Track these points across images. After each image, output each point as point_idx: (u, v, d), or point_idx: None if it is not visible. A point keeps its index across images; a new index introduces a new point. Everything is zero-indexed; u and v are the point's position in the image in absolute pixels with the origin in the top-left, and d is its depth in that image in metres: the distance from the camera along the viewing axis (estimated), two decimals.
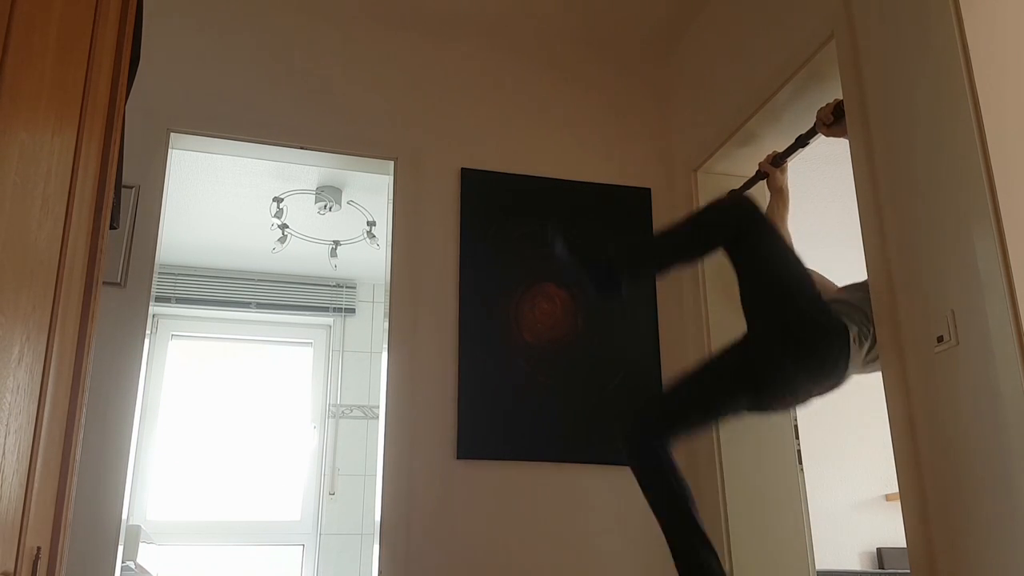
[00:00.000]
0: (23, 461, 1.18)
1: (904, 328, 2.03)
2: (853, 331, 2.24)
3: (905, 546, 1.98)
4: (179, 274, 5.10)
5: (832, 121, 2.43)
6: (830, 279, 2.67)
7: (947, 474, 1.87)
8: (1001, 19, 1.91)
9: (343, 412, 5.25)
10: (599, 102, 3.36)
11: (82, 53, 1.41)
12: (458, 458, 2.77)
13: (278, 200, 4.26)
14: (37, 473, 1.24)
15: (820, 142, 2.67)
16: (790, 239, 2.78)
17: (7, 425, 1.10)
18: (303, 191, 4.21)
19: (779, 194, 2.79)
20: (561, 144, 3.24)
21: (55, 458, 1.36)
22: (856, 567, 4.71)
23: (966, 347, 1.82)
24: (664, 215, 3.24)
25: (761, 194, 3.10)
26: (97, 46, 1.47)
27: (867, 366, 2.35)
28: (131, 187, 2.74)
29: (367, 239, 4.50)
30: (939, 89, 1.95)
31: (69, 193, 1.35)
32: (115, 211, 1.71)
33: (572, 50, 3.40)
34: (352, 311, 5.41)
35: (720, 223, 2.31)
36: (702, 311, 2.99)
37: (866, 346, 2.26)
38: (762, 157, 2.90)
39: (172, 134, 2.87)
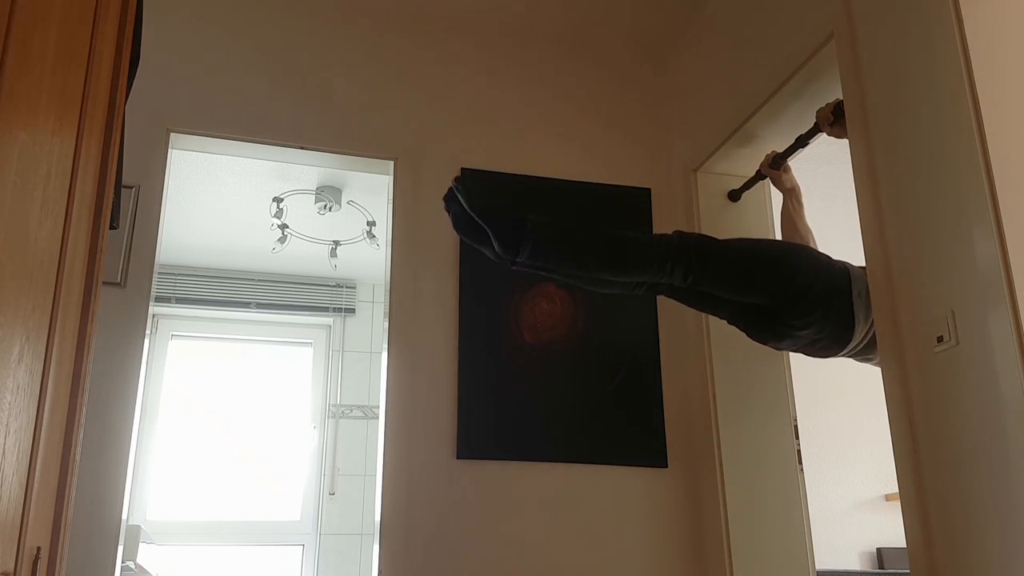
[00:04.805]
0: (23, 461, 1.18)
1: (904, 328, 2.03)
2: (856, 289, 2.26)
3: (905, 546, 1.98)
4: (179, 274, 5.10)
5: (832, 121, 2.43)
6: None
7: (947, 474, 1.87)
8: (1001, 19, 1.91)
9: (343, 412, 5.25)
10: (599, 102, 3.36)
11: (82, 53, 1.41)
12: (458, 458, 2.77)
13: (278, 200, 4.26)
14: (37, 473, 1.24)
15: (820, 142, 2.67)
16: (811, 235, 2.79)
17: (7, 425, 1.10)
18: (303, 191, 4.21)
19: (792, 193, 2.80)
20: (561, 144, 3.24)
21: (55, 458, 1.36)
22: (856, 567, 4.70)
23: (966, 347, 1.82)
24: (664, 215, 3.24)
25: (761, 195, 3.12)
26: (97, 46, 1.47)
27: (866, 351, 2.35)
28: (131, 187, 2.74)
29: (367, 239, 4.51)
30: (939, 89, 1.95)
31: (69, 193, 1.35)
32: (115, 211, 1.71)
33: (572, 50, 3.40)
34: (352, 311, 5.41)
35: (683, 244, 2.25)
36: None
37: (868, 324, 2.26)
38: (762, 157, 2.90)
39: (172, 134, 2.87)
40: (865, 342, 2.34)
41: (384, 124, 3.10)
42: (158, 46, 2.93)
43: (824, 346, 2.39)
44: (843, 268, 2.36)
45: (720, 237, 2.35)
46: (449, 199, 2.21)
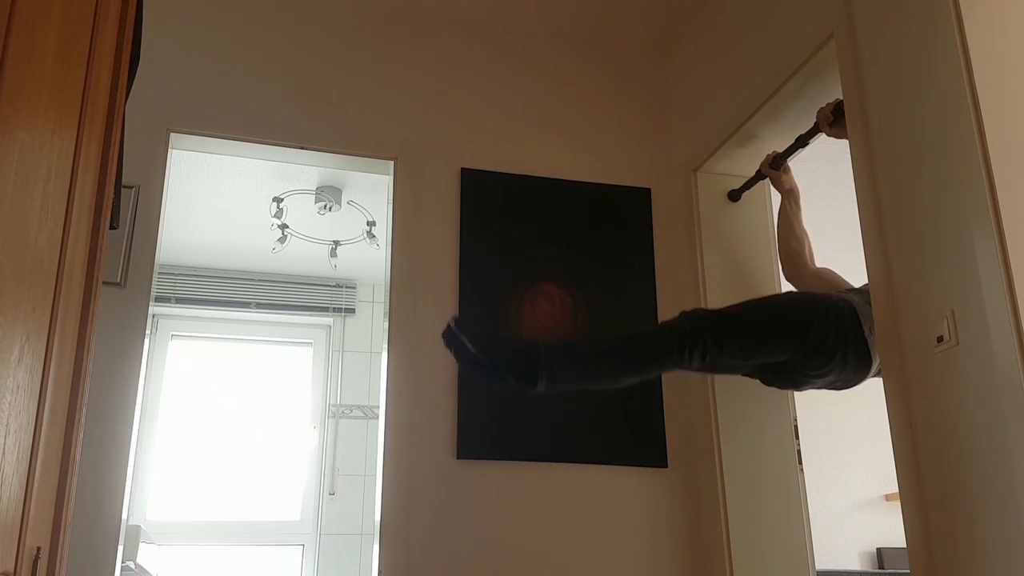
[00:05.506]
0: (23, 461, 1.18)
1: (904, 328, 2.03)
2: (867, 325, 2.26)
3: (905, 546, 1.98)
4: (179, 274, 5.10)
5: (832, 121, 2.43)
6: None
7: (947, 474, 1.86)
8: (1001, 19, 1.91)
9: (343, 412, 5.25)
10: (599, 102, 3.36)
11: (82, 53, 1.41)
12: (458, 458, 2.77)
13: (278, 200, 4.26)
14: (37, 473, 1.24)
15: (820, 142, 2.67)
16: (807, 238, 2.79)
17: (7, 425, 1.10)
18: (303, 191, 4.21)
19: (790, 195, 2.80)
20: (561, 144, 3.24)
21: (55, 458, 1.36)
22: (856, 567, 4.70)
23: (966, 347, 1.82)
24: (664, 215, 3.24)
25: (761, 195, 3.12)
26: (97, 46, 1.47)
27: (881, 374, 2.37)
28: (131, 187, 2.74)
29: (367, 239, 4.50)
30: (939, 89, 1.95)
31: (69, 193, 1.35)
32: (115, 211, 1.71)
33: (572, 50, 3.40)
34: (352, 311, 5.41)
35: (693, 320, 2.24)
36: None
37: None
38: (762, 157, 2.90)
39: (172, 134, 2.87)
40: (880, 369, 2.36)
41: (384, 124, 3.10)
42: (158, 46, 2.93)
43: (843, 383, 2.44)
44: (849, 306, 2.34)
45: (724, 301, 2.39)
46: (449, 337, 2.15)
